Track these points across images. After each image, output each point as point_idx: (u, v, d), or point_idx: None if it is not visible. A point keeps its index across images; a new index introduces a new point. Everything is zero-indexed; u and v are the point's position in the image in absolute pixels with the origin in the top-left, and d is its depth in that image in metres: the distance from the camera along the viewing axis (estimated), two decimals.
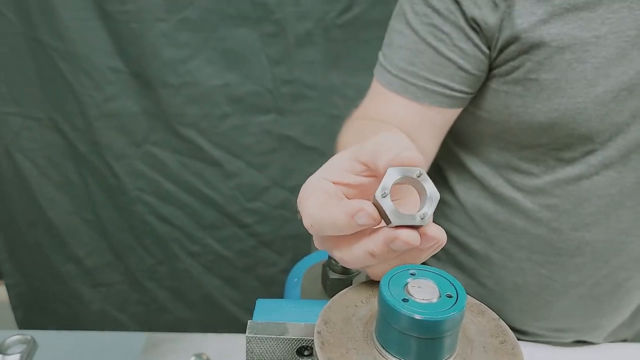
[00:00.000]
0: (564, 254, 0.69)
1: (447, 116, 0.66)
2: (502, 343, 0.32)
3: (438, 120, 0.65)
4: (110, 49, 1.01)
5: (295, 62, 1.04)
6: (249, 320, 0.35)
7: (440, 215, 0.78)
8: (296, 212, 0.35)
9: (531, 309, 0.74)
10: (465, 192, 0.74)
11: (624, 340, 0.79)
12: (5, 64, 1.03)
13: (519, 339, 0.37)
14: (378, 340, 0.31)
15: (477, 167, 0.72)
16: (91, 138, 1.09)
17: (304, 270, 0.54)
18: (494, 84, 0.63)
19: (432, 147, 0.68)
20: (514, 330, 0.58)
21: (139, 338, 0.74)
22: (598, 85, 0.58)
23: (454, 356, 0.30)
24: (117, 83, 1.04)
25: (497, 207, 0.71)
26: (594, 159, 0.64)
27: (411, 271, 0.32)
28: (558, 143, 0.64)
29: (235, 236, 1.21)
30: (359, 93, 1.08)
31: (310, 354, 0.35)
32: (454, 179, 0.76)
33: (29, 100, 1.06)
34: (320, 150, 1.12)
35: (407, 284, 0.31)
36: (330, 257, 0.48)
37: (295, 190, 1.20)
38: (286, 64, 1.05)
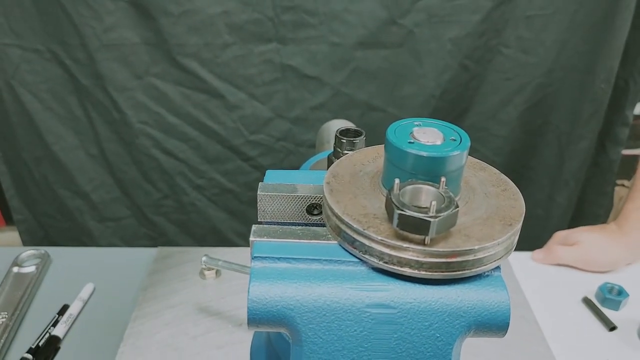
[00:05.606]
0: None
1: None
2: (504, 191, 0.33)
3: None
4: None
5: None
6: (259, 182, 0.36)
7: None
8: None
9: None
10: None
11: None
12: None
13: None
14: (385, 187, 0.32)
15: None
16: (93, 70, 1.09)
17: (309, 166, 0.55)
18: None
19: None
20: None
21: (150, 252, 0.76)
22: None
23: (457, 199, 0.32)
24: (116, 12, 1.03)
25: None
26: None
27: (416, 122, 0.33)
28: None
29: (239, 169, 1.22)
30: (360, 19, 1.08)
31: (320, 212, 0.36)
32: None
33: (27, 31, 1.05)
34: (321, 80, 1.11)
35: (412, 131, 0.32)
36: (335, 149, 0.49)
37: (297, 121, 1.20)
38: None
